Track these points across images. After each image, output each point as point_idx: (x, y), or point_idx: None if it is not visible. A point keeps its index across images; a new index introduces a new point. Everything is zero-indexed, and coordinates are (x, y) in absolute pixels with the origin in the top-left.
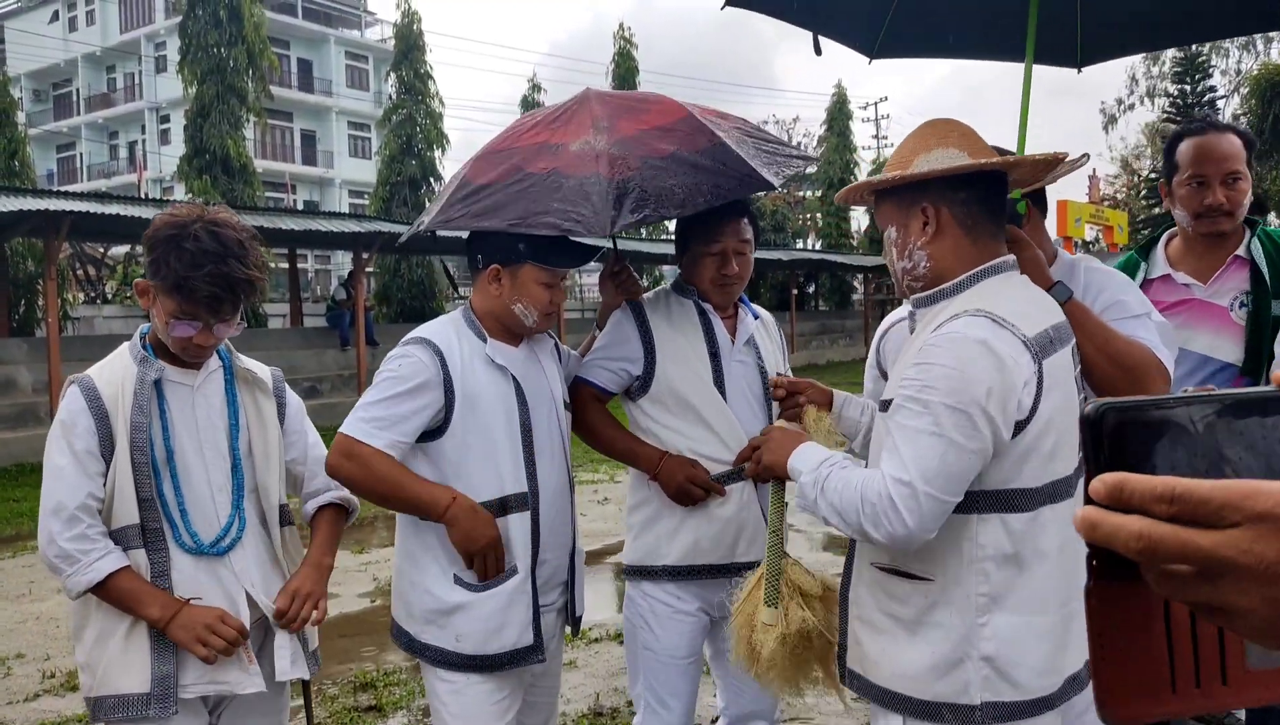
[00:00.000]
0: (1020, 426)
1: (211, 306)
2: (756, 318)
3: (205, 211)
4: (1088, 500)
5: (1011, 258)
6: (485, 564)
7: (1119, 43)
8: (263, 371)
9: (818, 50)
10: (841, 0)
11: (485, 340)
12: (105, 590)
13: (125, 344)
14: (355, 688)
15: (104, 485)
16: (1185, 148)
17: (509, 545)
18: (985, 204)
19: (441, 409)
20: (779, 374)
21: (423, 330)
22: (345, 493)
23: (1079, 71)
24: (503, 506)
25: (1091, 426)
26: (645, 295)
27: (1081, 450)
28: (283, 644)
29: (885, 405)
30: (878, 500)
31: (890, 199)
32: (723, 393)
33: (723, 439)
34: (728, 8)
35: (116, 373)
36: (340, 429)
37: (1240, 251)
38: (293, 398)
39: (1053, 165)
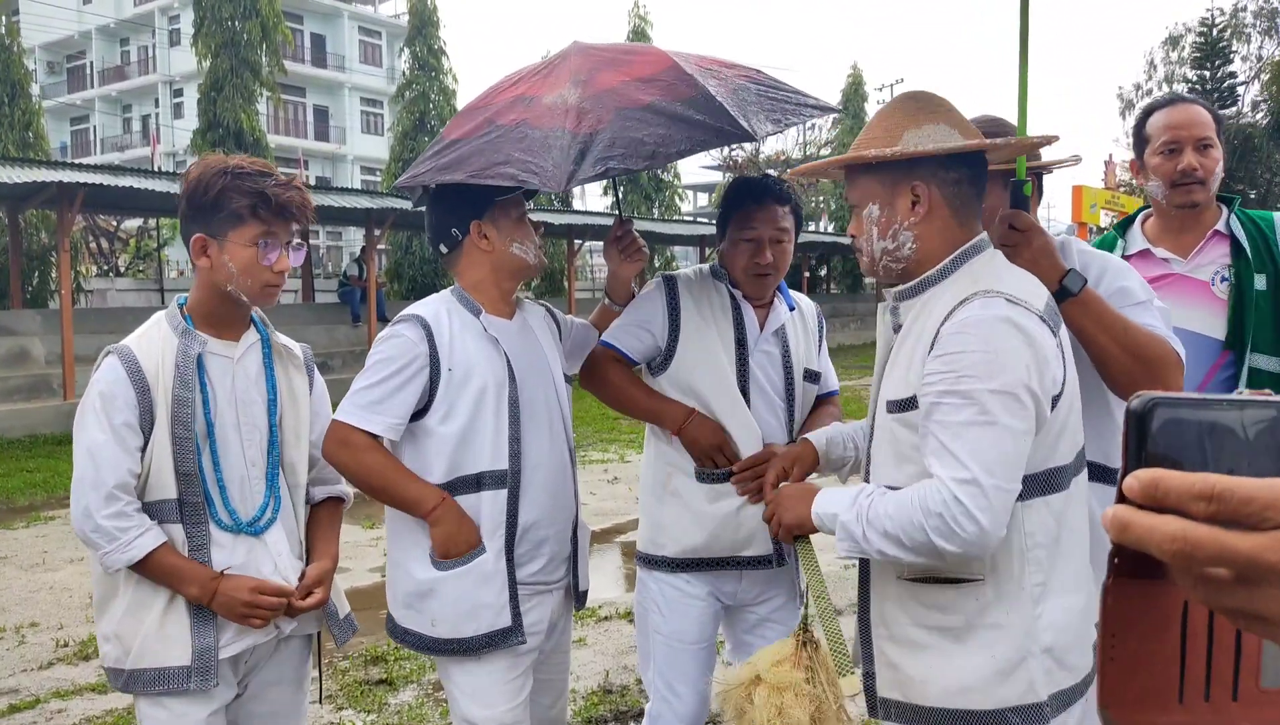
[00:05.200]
0: (1055, 401)
1: (294, 213)
2: (793, 308)
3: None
4: (1120, 498)
5: (985, 235)
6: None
7: None
8: (295, 347)
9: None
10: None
11: (479, 314)
12: (144, 567)
13: (160, 314)
14: (366, 661)
15: (141, 459)
16: (1156, 119)
17: (478, 521)
18: (973, 184)
19: (427, 389)
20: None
21: (412, 308)
22: (346, 489)
23: None
24: (478, 483)
25: (1138, 420)
26: (682, 271)
27: (1123, 444)
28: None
29: (900, 405)
30: (944, 509)
31: (872, 174)
32: (745, 384)
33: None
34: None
35: (156, 343)
36: (334, 415)
37: (1219, 227)
38: (319, 377)
39: (1042, 145)
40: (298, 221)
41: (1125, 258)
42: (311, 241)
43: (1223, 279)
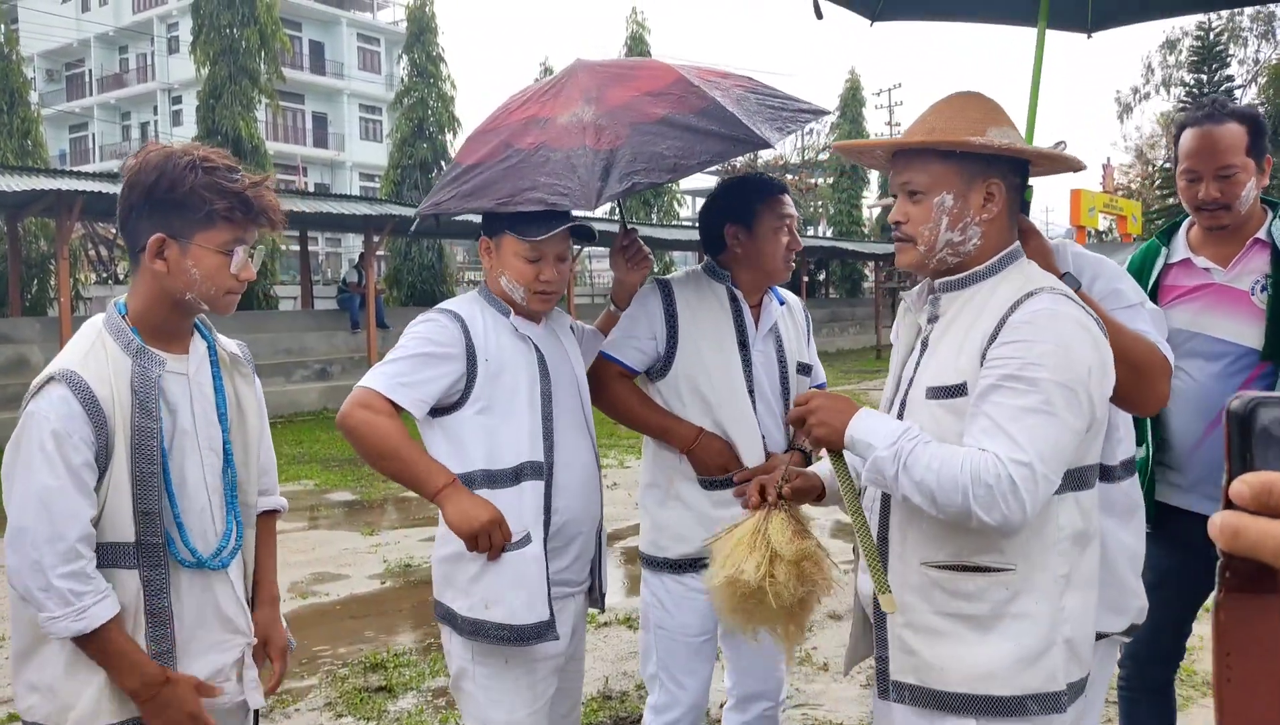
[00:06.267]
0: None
1: (271, 217)
2: (782, 304)
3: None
4: (1227, 504)
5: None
6: (490, 540)
7: (1134, 7)
8: (238, 349)
9: (819, 14)
10: None
11: (509, 313)
12: (87, 639)
13: (98, 323)
14: (365, 668)
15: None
16: (1183, 141)
17: (520, 513)
18: (1022, 191)
19: (462, 378)
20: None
21: (445, 304)
22: (282, 500)
23: (1089, 37)
24: (516, 475)
25: (1240, 422)
26: (675, 275)
27: (1225, 447)
28: (251, 678)
29: (948, 391)
30: (995, 482)
31: (951, 163)
32: (751, 384)
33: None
34: None
35: (104, 366)
36: (360, 382)
37: (1260, 234)
38: (258, 384)
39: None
40: (272, 226)
41: (1168, 266)
42: (310, 248)
43: (1262, 288)
